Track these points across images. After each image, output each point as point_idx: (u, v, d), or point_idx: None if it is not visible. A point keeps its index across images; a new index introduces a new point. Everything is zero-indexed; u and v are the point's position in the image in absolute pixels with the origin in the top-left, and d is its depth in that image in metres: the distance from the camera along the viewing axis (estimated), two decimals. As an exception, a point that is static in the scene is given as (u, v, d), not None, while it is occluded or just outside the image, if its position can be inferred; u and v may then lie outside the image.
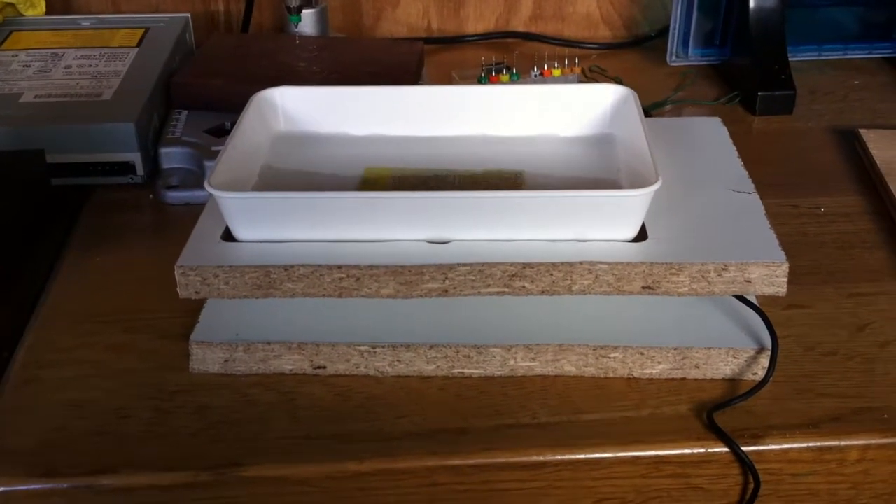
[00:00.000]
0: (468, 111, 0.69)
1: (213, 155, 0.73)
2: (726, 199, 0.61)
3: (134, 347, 0.59)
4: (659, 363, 0.57)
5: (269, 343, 0.57)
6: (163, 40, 0.88)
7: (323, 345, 0.57)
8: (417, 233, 0.57)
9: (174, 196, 0.75)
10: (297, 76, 0.81)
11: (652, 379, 0.57)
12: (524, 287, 0.55)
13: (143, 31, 0.89)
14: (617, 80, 0.95)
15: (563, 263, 0.55)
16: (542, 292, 0.56)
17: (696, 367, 0.57)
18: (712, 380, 0.57)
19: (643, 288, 0.55)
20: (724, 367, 0.57)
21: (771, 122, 0.89)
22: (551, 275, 0.55)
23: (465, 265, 0.55)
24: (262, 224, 0.56)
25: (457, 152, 0.67)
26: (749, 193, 0.62)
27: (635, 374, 0.57)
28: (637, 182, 0.58)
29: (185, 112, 0.81)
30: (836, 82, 0.96)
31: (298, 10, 0.86)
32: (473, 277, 0.55)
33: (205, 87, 0.81)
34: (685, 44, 0.96)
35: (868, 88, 0.95)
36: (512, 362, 0.57)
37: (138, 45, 0.87)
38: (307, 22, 0.92)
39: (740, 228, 0.58)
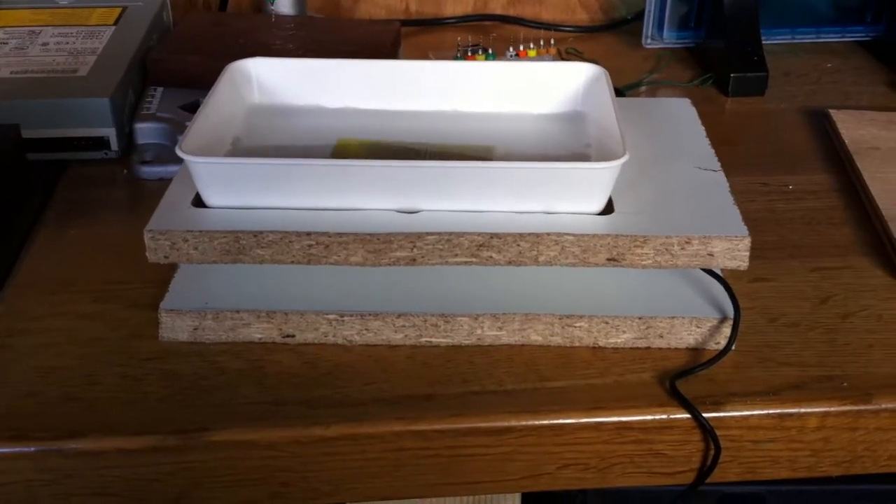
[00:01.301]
0: (441, 87, 0.69)
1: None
2: (692, 176, 0.62)
3: (104, 316, 0.60)
4: (624, 332, 0.58)
5: (237, 311, 0.57)
6: (140, 19, 0.88)
7: (292, 313, 0.57)
8: (387, 202, 0.57)
9: (148, 171, 0.75)
10: (272, 53, 0.81)
11: (617, 348, 0.58)
12: (491, 257, 0.56)
13: (120, 9, 0.89)
14: (593, 63, 0.96)
15: (529, 234, 0.56)
16: (509, 262, 0.56)
17: (661, 336, 0.58)
18: (676, 349, 0.58)
19: (608, 260, 0.56)
20: (687, 336, 0.58)
21: (743, 103, 0.90)
22: (518, 245, 0.56)
23: (433, 234, 0.56)
24: (233, 190, 0.57)
25: (429, 126, 0.68)
26: (715, 171, 0.63)
27: (600, 343, 0.58)
28: (606, 156, 0.59)
29: (160, 89, 0.81)
30: (810, 65, 0.97)
31: (276, -10, 0.86)
32: (441, 247, 0.56)
33: (181, 64, 0.81)
34: (660, 26, 0.97)
35: (841, 71, 0.96)
36: (479, 331, 0.58)
37: (115, 23, 0.87)
38: (285, 2, 0.93)
39: (705, 204, 0.59)
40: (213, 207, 0.57)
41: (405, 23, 1.03)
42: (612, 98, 0.64)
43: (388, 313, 0.57)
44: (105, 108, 0.75)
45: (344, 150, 0.64)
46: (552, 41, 0.92)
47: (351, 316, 0.57)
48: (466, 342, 0.58)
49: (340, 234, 0.55)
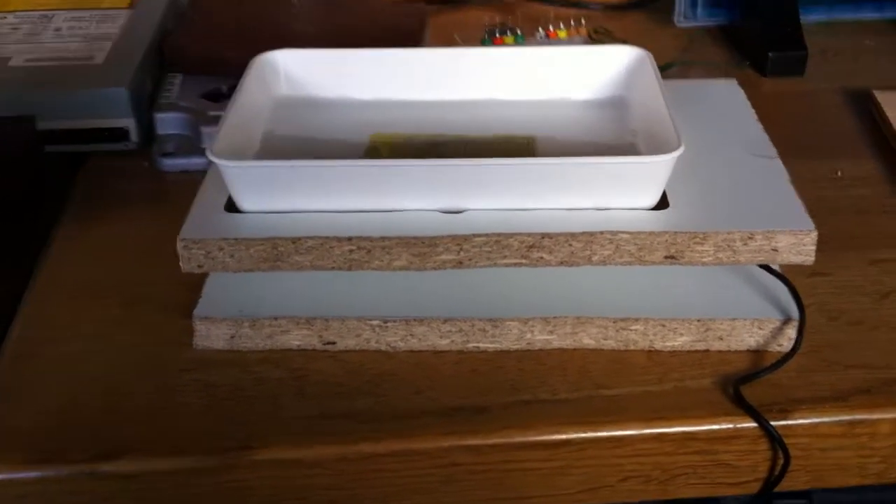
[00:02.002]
0: (476, 74, 0.66)
1: (210, 121, 0.71)
2: (748, 165, 0.59)
3: (134, 322, 0.57)
4: (681, 335, 0.55)
5: (276, 318, 0.54)
6: (155, 1, 0.84)
7: (332, 319, 0.54)
8: (430, 202, 0.54)
9: (170, 164, 0.72)
10: (295, 39, 0.78)
11: (674, 351, 0.55)
12: (542, 258, 0.53)
13: (134, -9, 0.85)
14: (623, 42, 0.92)
15: (582, 233, 0.53)
16: (561, 263, 0.54)
17: (720, 338, 0.55)
18: (736, 351, 0.55)
19: (666, 258, 0.53)
20: (748, 338, 0.55)
21: (782, 84, 0.87)
22: (570, 245, 0.53)
23: (480, 235, 0.53)
24: (268, 194, 0.54)
25: (465, 117, 0.65)
26: (771, 158, 0.60)
27: (657, 347, 0.55)
28: (656, 147, 0.56)
29: (179, 76, 0.78)
30: (848, 43, 0.93)
31: (296, -29, 0.83)
32: (489, 248, 0.53)
33: (200, 50, 0.78)
34: (693, 4, 0.93)
35: (881, 50, 0.92)
36: (529, 335, 0.55)
37: (130, 5, 0.83)
38: (301, -18, 0.89)
39: (765, 195, 0.56)
40: (248, 212, 0.54)
41: (428, 2, 0.99)
42: (660, 83, 0.61)
43: (434, 318, 0.55)
44: (123, 98, 0.72)
45: (378, 146, 0.61)
46: (581, 20, 0.88)
47: (394, 321, 0.54)
48: (515, 347, 0.55)
49: (383, 238, 0.52)
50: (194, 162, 0.71)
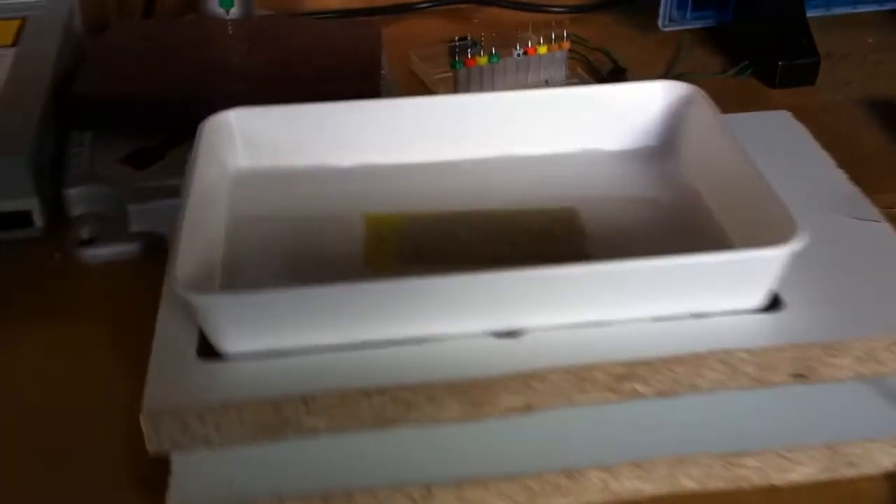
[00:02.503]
0: (483, 126, 0.53)
1: (140, 195, 0.55)
2: (854, 233, 0.47)
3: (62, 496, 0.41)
4: (804, 465, 0.43)
5: (280, 498, 0.40)
6: (46, 34, 0.67)
7: (358, 492, 0.40)
8: (478, 323, 0.41)
9: (92, 254, 0.56)
10: (235, 75, 0.63)
11: (796, 486, 0.43)
12: (636, 390, 0.40)
13: (19, 22, 0.68)
14: (604, 52, 0.80)
15: (689, 355, 0.40)
16: (659, 394, 0.40)
17: (851, 463, 0.43)
18: (870, 478, 0.43)
19: (791, 376, 0.41)
20: (884, 460, 0.43)
21: (794, 95, 0.75)
22: (672, 372, 0.40)
23: (555, 370, 0.39)
24: (260, 329, 0.39)
25: (476, 182, 0.51)
26: (876, 222, 0.48)
27: (775, 482, 0.43)
28: (751, 222, 0.43)
29: (88, 135, 0.61)
30: (850, 42, 0.83)
31: (231, -7, 0.67)
32: (567, 385, 0.39)
33: (114, 99, 0.61)
34: (681, 5, 0.81)
35: (885, 48, 0.82)
36: (615, 485, 0.42)
37: (15, 43, 0.66)
38: (229, -1, 0.73)
39: (893, 278, 0.44)
40: (232, 356, 0.39)
41: (367, 12, 0.85)
42: (725, 129, 0.48)
43: (493, 476, 0.41)
44: (21, 171, 0.55)
45: (380, 233, 0.47)
46: (564, 33, 0.75)
47: (443, 486, 0.40)
48: (598, 499, 0.42)
49: (425, 385, 0.38)
50: (121, 251, 0.56)
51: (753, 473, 0.43)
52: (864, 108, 0.73)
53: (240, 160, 0.51)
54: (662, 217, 0.48)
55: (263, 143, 0.51)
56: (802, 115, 0.73)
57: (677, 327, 0.41)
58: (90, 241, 0.56)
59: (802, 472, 0.43)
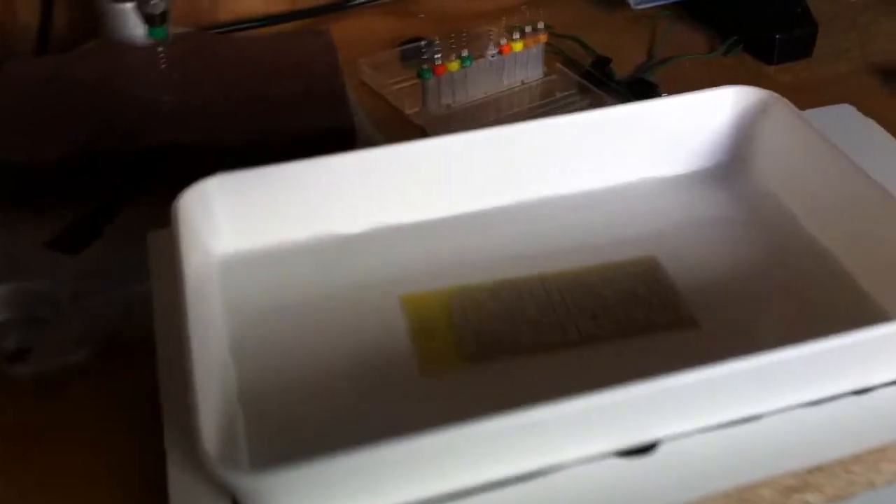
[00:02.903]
0: (517, 164, 0.43)
1: (77, 288, 0.44)
2: None
3: None
4: None
5: None
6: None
7: None
8: (600, 443, 0.31)
9: (23, 370, 0.44)
10: (172, 116, 0.51)
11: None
12: (806, 502, 0.31)
13: None
14: (575, 40, 0.70)
15: (869, 452, 0.31)
16: (833, 500, 0.32)
17: None
18: None
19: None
20: None
21: (794, 71, 0.68)
22: (850, 472, 0.31)
23: (712, 497, 0.30)
24: (325, 496, 0.28)
25: (523, 234, 0.41)
26: None
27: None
28: (873, 249, 0.35)
29: (-2, 214, 0.49)
30: (834, 5, 0.75)
31: (164, 20, 0.54)
32: (729, 511, 0.30)
33: (25, 166, 0.49)
34: (655, -21, 0.72)
35: (872, 8, 0.75)
36: None
37: None
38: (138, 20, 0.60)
39: None
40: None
41: (295, 15, 0.73)
42: (819, 137, 0.39)
43: None
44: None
45: (422, 318, 0.37)
46: (540, 24, 0.65)
47: None
48: None
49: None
50: (65, 360, 0.44)
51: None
52: (878, 78, 0.66)
53: (225, 243, 0.39)
54: (756, 249, 0.40)
55: (252, 216, 0.40)
56: (813, 94, 0.65)
57: (844, 413, 0.32)
58: (21, 354, 0.44)
59: None
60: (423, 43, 0.67)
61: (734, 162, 0.44)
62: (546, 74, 0.66)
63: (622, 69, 0.65)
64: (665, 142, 0.43)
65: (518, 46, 0.64)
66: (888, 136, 0.46)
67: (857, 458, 0.31)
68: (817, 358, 0.31)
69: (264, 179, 0.39)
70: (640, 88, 0.64)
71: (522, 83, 0.65)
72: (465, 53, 0.62)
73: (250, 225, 0.40)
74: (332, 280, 0.39)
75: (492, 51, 0.63)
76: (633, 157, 0.43)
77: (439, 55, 0.60)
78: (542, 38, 0.65)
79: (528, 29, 0.64)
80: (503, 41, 0.63)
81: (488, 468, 0.30)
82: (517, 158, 0.42)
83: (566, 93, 0.64)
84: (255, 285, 0.38)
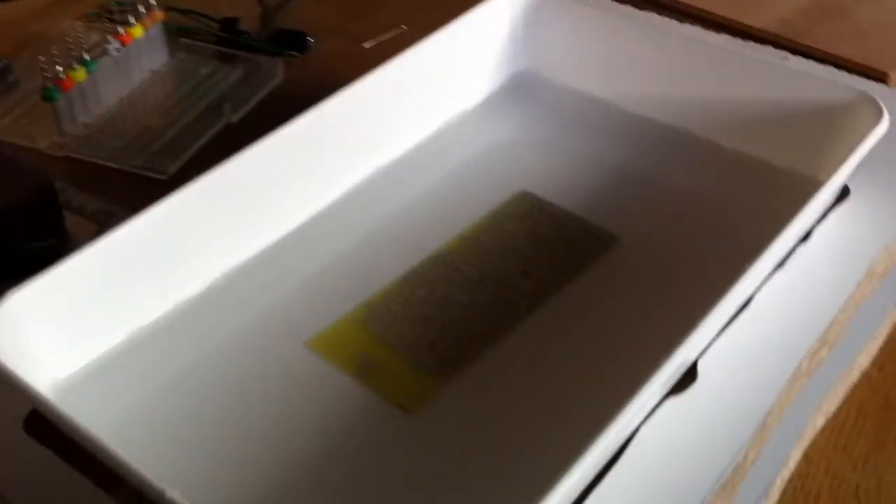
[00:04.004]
0: (321, 158, 0.36)
1: None
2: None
3: None
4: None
5: None
6: None
7: None
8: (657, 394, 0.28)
9: None
10: None
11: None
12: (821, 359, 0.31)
13: None
14: (190, 12, 0.61)
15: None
16: (834, 343, 0.32)
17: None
18: None
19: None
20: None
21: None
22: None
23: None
24: None
25: (372, 222, 0.36)
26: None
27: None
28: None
29: None
30: None
31: None
32: None
33: None
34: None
35: None
36: None
37: None
38: None
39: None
40: None
41: None
42: (605, 15, 0.39)
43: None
44: None
45: (353, 354, 0.30)
46: (151, 2, 0.55)
47: None
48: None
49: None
50: None
51: None
52: None
53: (54, 367, 0.29)
54: (603, 146, 0.38)
55: (74, 325, 0.29)
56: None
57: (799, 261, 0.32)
58: None
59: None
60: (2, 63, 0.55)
61: (530, 70, 0.41)
62: (172, 55, 0.57)
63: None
64: (458, 73, 0.39)
65: (138, 32, 0.55)
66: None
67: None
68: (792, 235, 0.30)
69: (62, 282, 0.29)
70: (287, 39, 0.58)
71: (153, 73, 0.57)
72: (85, 57, 0.52)
73: (77, 335, 0.29)
74: (216, 354, 0.30)
75: (114, 44, 0.54)
76: (433, 102, 0.38)
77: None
78: (160, 16, 0.56)
79: (142, 11, 0.55)
80: (121, 30, 0.54)
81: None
82: (327, 150, 0.35)
83: (210, 67, 0.56)
84: (107, 414, 0.28)
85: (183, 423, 0.28)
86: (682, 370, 0.28)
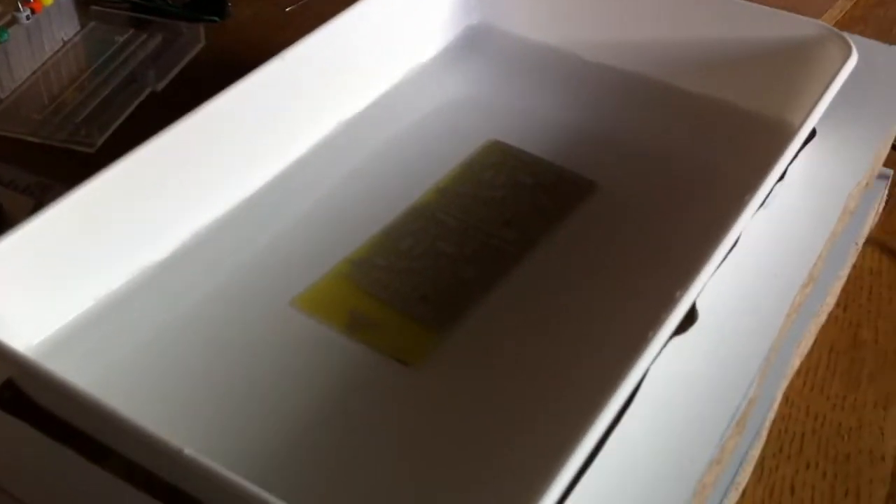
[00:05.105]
0: (284, 111, 0.35)
1: None
2: None
3: None
4: None
5: None
6: None
7: None
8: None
9: None
10: None
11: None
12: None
13: None
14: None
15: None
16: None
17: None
18: None
19: None
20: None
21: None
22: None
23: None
24: None
25: (344, 176, 0.34)
26: None
27: None
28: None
29: None
30: None
31: None
32: None
33: None
34: None
35: None
36: None
37: None
38: None
39: None
40: None
41: None
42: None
43: None
44: None
45: (343, 311, 0.29)
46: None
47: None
48: None
49: None
50: None
51: None
52: None
53: (25, 334, 0.27)
54: (565, 93, 0.37)
55: (33, 290, 0.27)
56: None
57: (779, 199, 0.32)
58: None
59: None
60: None
61: (484, 23, 0.40)
62: (83, 25, 0.54)
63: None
64: (411, 27, 0.38)
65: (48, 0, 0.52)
66: None
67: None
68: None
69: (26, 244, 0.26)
70: (205, 4, 0.56)
71: (64, 42, 0.54)
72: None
73: (43, 301, 0.27)
74: (194, 319, 0.28)
75: (24, 12, 0.51)
76: (387, 57, 0.37)
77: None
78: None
79: (53, -26, 0.52)
80: (26, -1, 0.51)
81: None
82: (288, 105, 0.33)
83: (125, 35, 0.54)
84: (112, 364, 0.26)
85: (171, 390, 0.26)
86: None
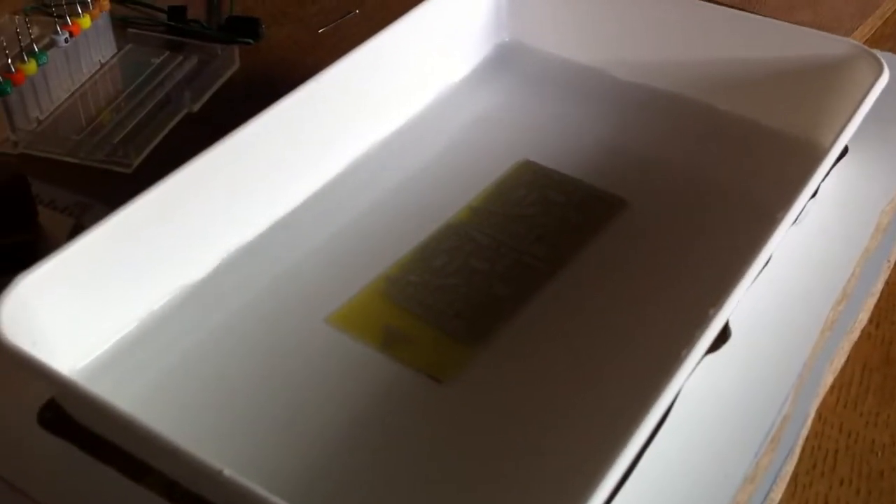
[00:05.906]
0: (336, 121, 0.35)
1: None
2: None
3: None
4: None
5: None
6: None
7: None
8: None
9: None
10: None
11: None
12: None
13: None
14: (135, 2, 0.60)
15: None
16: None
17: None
18: None
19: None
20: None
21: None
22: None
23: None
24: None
25: (378, 196, 0.35)
26: None
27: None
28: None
29: None
30: None
31: None
32: None
33: None
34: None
35: None
36: None
37: None
38: None
39: None
40: None
41: None
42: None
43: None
44: None
45: (377, 327, 0.29)
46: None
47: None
48: None
49: None
50: None
51: None
52: None
53: (70, 356, 0.27)
54: (594, 111, 0.37)
55: (77, 312, 0.28)
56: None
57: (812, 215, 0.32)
58: None
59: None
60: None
61: (515, 41, 0.41)
62: (120, 47, 0.55)
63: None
64: (442, 46, 0.38)
65: (86, 22, 0.53)
66: None
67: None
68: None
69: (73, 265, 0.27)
70: (239, 27, 0.57)
71: (101, 64, 0.55)
72: (35, 49, 0.50)
73: (87, 323, 0.27)
74: (231, 337, 0.29)
75: (62, 35, 0.52)
76: (419, 77, 0.37)
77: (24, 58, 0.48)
78: (105, 5, 0.54)
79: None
80: (69, 20, 0.52)
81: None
82: (323, 124, 0.34)
83: (161, 57, 0.54)
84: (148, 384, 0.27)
85: (209, 408, 0.27)
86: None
